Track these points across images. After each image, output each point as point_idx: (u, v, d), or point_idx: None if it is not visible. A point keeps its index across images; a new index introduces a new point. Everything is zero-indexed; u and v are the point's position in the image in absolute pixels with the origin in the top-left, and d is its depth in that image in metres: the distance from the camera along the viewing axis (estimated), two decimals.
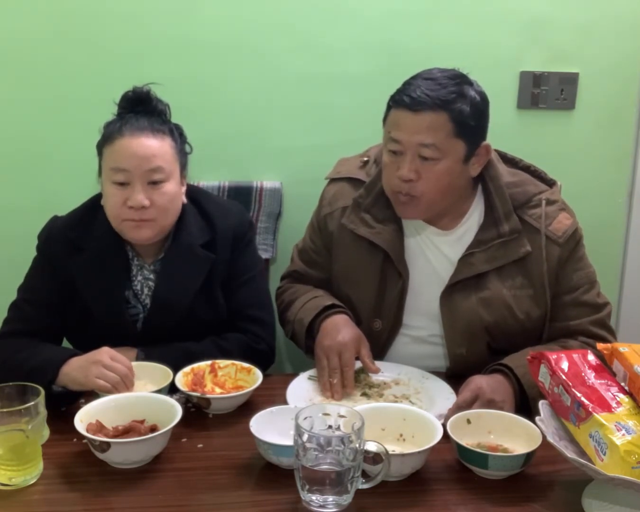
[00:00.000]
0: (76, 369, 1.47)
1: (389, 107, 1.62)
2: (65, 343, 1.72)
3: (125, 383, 1.46)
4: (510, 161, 1.77)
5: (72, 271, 1.62)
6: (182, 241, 1.65)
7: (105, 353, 1.48)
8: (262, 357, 1.65)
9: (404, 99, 1.56)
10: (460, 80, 1.58)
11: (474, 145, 1.60)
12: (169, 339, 1.63)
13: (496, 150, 1.72)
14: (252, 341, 1.67)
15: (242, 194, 2.13)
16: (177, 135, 1.65)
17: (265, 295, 1.77)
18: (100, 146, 1.63)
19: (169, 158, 1.60)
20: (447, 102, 1.54)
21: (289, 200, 2.20)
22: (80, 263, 1.63)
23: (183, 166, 1.66)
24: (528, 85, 2.23)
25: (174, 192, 1.61)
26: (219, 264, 1.67)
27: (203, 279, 1.65)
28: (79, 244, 1.64)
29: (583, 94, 2.26)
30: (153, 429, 1.33)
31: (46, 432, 1.35)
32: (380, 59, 2.16)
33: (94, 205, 1.69)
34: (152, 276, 1.67)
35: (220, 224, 1.69)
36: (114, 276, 1.65)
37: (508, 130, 2.19)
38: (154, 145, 1.58)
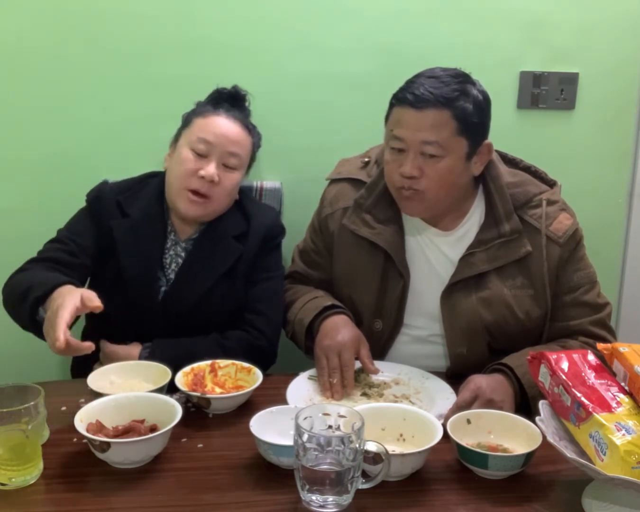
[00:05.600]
0: (48, 309, 1.41)
1: (391, 105, 1.62)
2: None
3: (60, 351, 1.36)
4: (511, 162, 1.77)
5: (114, 231, 1.69)
6: (217, 228, 1.75)
7: (58, 310, 1.34)
8: (263, 355, 1.66)
9: (407, 97, 1.56)
10: (463, 79, 1.59)
11: (477, 143, 1.60)
12: (184, 321, 1.68)
13: (497, 151, 1.72)
14: (253, 337, 1.69)
15: None
16: (257, 139, 1.79)
17: (278, 296, 1.79)
18: (190, 117, 1.75)
19: (246, 152, 1.75)
20: (450, 100, 1.54)
21: (289, 200, 2.19)
22: (123, 226, 1.71)
23: (248, 167, 1.79)
24: (528, 85, 2.23)
25: (238, 182, 1.75)
26: (246, 257, 1.74)
27: (228, 267, 1.72)
28: (124, 209, 1.72)
29: (583, 94, 2.26)
30: (153, 429, 1.33)
31: (46, 432, 1.35)
32: (380, 59, 2.16)
33: (143, 180, 1.81)
34: (182, 254, 1.74)
35: (255, 221, 1.78)
36: (151, 243, 1.72)
37: (508, 130, 2.19)
38: (240, 134, 1.73)
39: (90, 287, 1.68)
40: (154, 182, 1.79)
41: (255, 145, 1.79)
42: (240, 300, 1.74)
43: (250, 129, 1.77)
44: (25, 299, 1.47)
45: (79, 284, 1.54)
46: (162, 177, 1.77)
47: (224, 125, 1.71)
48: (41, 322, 1.44)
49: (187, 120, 1.75)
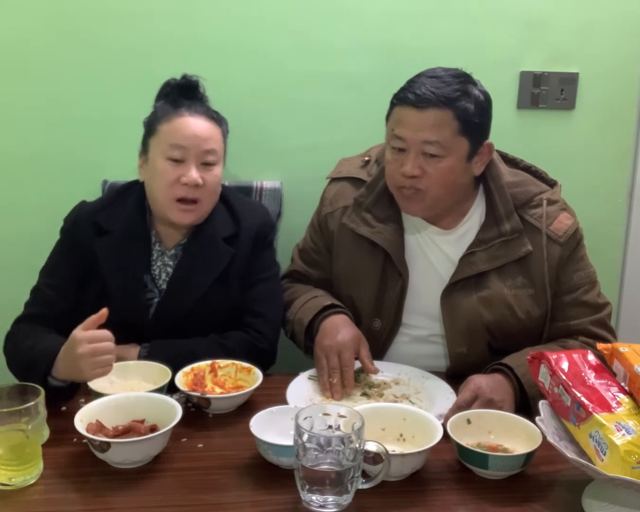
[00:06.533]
0: (67, 367, 1.44)
1: (392, 105, 1.62)
2: None
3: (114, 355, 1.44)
4: (511, 162, 1.77)
5: (96, 252, 1.65)
6: (206, 231, 1.70)
7: (83, 342, 1.41)
8: (264, 356, 1.66)
9: (409, 97, 1.56)
10: (464, 79, 1.59)
11: (477, 143, 1.60)
12: (180, 327, 1.65)
13: (497, 151, 1.72)
14: (255, 338, 1.67)
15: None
16: (225, 126, 1.72)
17: (276, 296, 1.78)
18: (153, 124, 1.67)
19: (220, 144, 1.69)
20: (452, 100, 1.54)
21: (289, 200, 2.19)
22: (104, 244, 1.66)
23: (224, 157, 1.73)
24: (528, 85, 2.23)
25: (220, 176, 1.69)
26: (239, 259, 1.71)
27: (221, 271, 1.68)
28: (104, 227, 1.68)
29: (583, 94, 2.26)
30: (153, 429, 1.33)
31: (46, 432, 1.35)
32: (380, 59, 2.16)
33: (122, 192, 1.75)
34: (171, 262, 1.70)
35: (244, 221, 1.73)
36: (136, 259, 1.68)
37: (508, 130, 2.19)
38: (210, 128, 1.66)
39: (76, 306, 1.65)
40: (132, 193, 1.73)
41: (225, 133, 1.71)
42: (235, 303, 1.70)
43: (216, 118, 1.69)
44: (32, 374, 1.45)
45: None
46: (141, 187, 1.71)
47: (192, 124, 1.63)
48: (53, 386, 1.45)
49: (151, 127, 1.67)
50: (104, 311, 1.43)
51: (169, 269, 1.70)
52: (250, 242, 1.72)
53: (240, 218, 1.73)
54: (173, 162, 1.62)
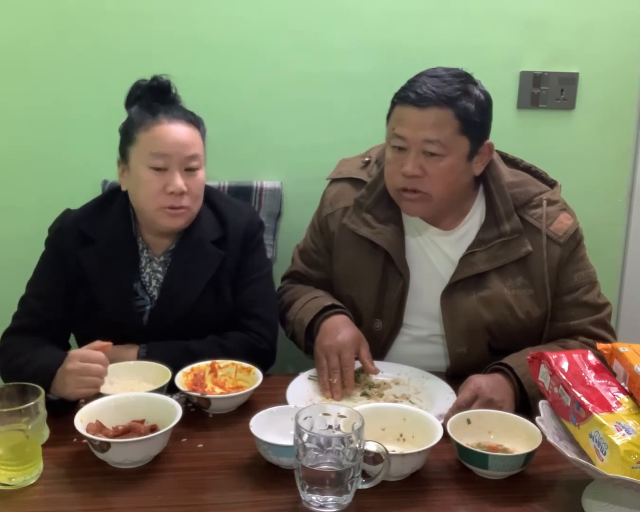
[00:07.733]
0: (58, 383, 1.44)
1: (393, 104, 1.62)
2: (72, 337, 1.73)
3: (102, 379, 1.45)
4: (511, 162, 1.77)
5: (82, 261, 1.64)
6: (194, 236, 1.68)
7: (74, 359, 1.44)
8: (264, 357, 1.65)
9: (410, 95, 1.56)
10: (465, 78, 1.59)
11: (478, 143, 1.60)
12: (174, 333, 1.63)
13: (497, 151, 1.72)
14: (254, 339, 1.67)
15: (242, 194, 2.13)
16: (203, 127, 1.69)
17: (270, 295, 1.77)
18: (131, 132, 1.62)
19: (201, 148, 1.65)
20: (452, 99, 1.55)
21: (289, 200, 2.20)
22: (90, 254, 1.64)
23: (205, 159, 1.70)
24: (528, 85, 2.23)
25: (204, 180, 1.66)
26: (229, 261, 1.69)
27: (212, 274, 1.67)
28: (89, 236, 1.65)
29: (583, 94, 2.26)
30: (153, 429, 1.33)
31: (46, 432, 1.35)
32: (380, 59, 2.16)
33: (107, 199, 1.73)
34: (160, 269, 1.68)
35: (231, 222, 1.71)
36: (123, 267, 1.66)
37: (508, 130, 2.19)
38: (190, 133, 1.62)
39: (66, 314, 1.65)
40: (116, 200, 1.69)
41: (204, 134, 1.68)
42: (229, 306, 1.69)
43: (194, 121, 1.65)
44: None
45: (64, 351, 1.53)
46: (124, 194, 1.67)
47: (172, 131, 1.59)
48: (51, 400, 1.44)
49: (129, 136, 1.62)
50: (109, 344, 1.48)
51: (159, 276, 1.68)
52: (239, 243, 1.70)
53: (226, 220, 1.71)
54: (156, 171, 1.58)
